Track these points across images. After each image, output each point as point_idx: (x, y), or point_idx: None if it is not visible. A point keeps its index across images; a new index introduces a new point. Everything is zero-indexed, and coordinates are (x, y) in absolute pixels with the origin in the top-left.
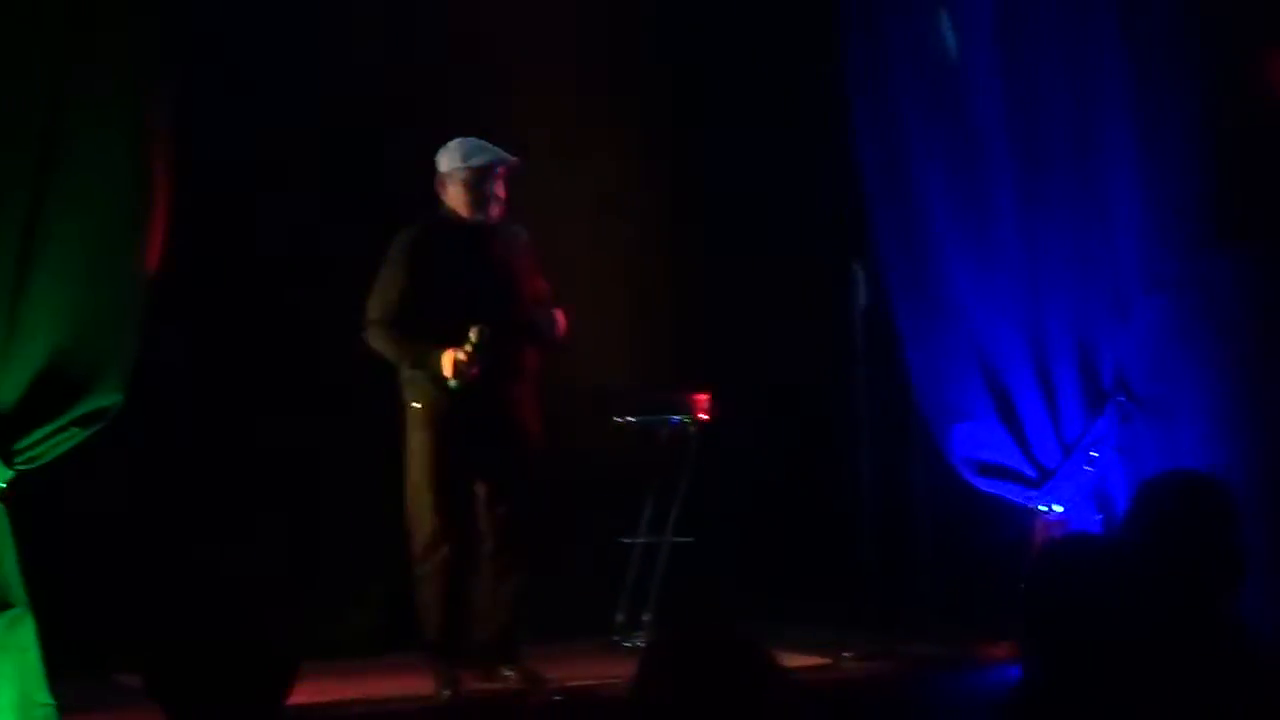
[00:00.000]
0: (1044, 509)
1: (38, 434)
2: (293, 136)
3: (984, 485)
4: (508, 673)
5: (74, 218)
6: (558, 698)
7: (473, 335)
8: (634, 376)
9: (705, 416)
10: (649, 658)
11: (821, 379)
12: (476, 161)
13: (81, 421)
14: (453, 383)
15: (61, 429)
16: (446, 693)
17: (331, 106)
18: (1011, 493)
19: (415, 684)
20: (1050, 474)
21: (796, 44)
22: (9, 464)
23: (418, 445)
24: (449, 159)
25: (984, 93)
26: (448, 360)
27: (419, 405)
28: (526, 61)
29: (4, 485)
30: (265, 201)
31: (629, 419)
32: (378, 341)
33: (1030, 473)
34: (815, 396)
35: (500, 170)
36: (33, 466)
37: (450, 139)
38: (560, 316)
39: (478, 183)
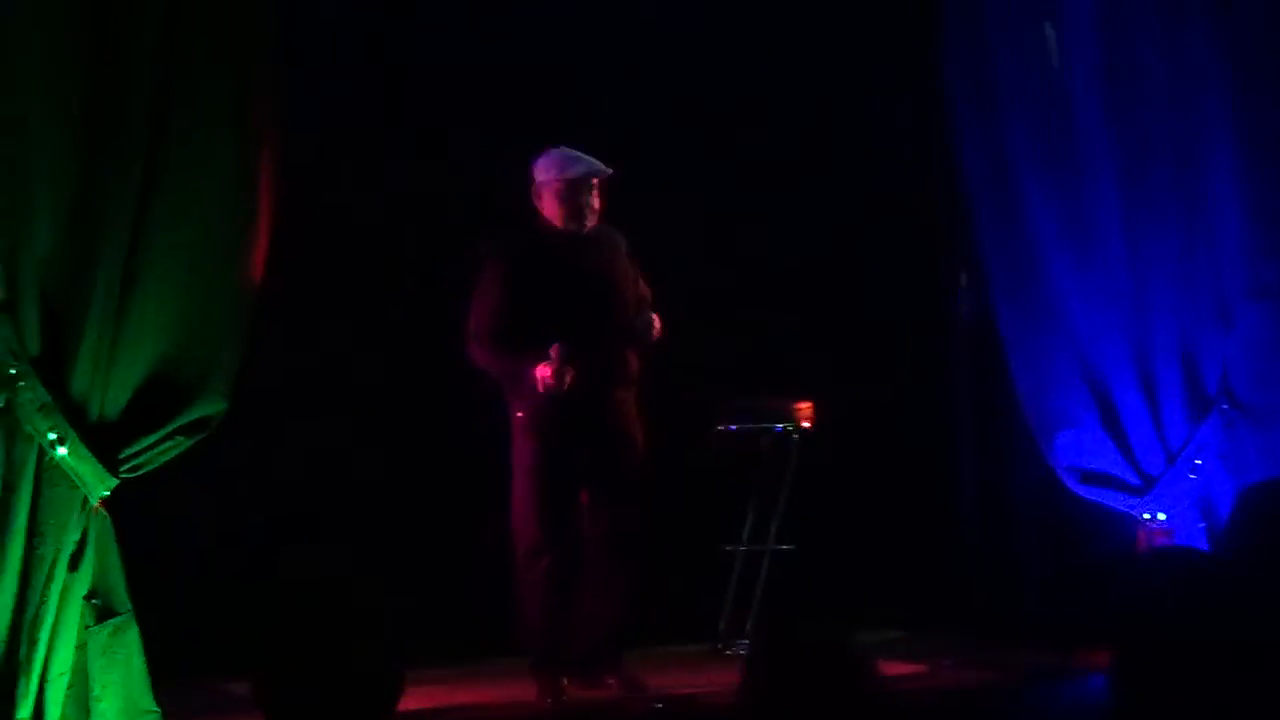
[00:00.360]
0: (1147, 517)
1: (142, 442)
2: (387, 138)
3: (1087, 493)
4: (610, 681)
5: (179, 224)
6: (659, 705)
7: (552, 354)
8: (737, 384)
9: (808, 424)
10: (755, 664)
11: (925, 387)
12: (572, 173)
13: (186, 430)
14: (544, 389)
15: (166, 437)
16: (549, 701)
17: (429, 112)
18: (1115, 500)
19: (518, 692)
20: (1154, 481)
21: (901, 52)
22: (114, 472)
23: (522, 453)
24: (545, 170)
25: (1086, 100)
26: (538, 377)
27: (523, 414)
28: (620, 64)
29: (108, 493)
30: (363, 206)
31: (732, 427)
32: (479, 356)
33: (1134, 480)
34: (918, 404)
35: (595, 180)
36: (137, 474)
37: (549, 144)
38: (657, 320)
39: (573, 194)
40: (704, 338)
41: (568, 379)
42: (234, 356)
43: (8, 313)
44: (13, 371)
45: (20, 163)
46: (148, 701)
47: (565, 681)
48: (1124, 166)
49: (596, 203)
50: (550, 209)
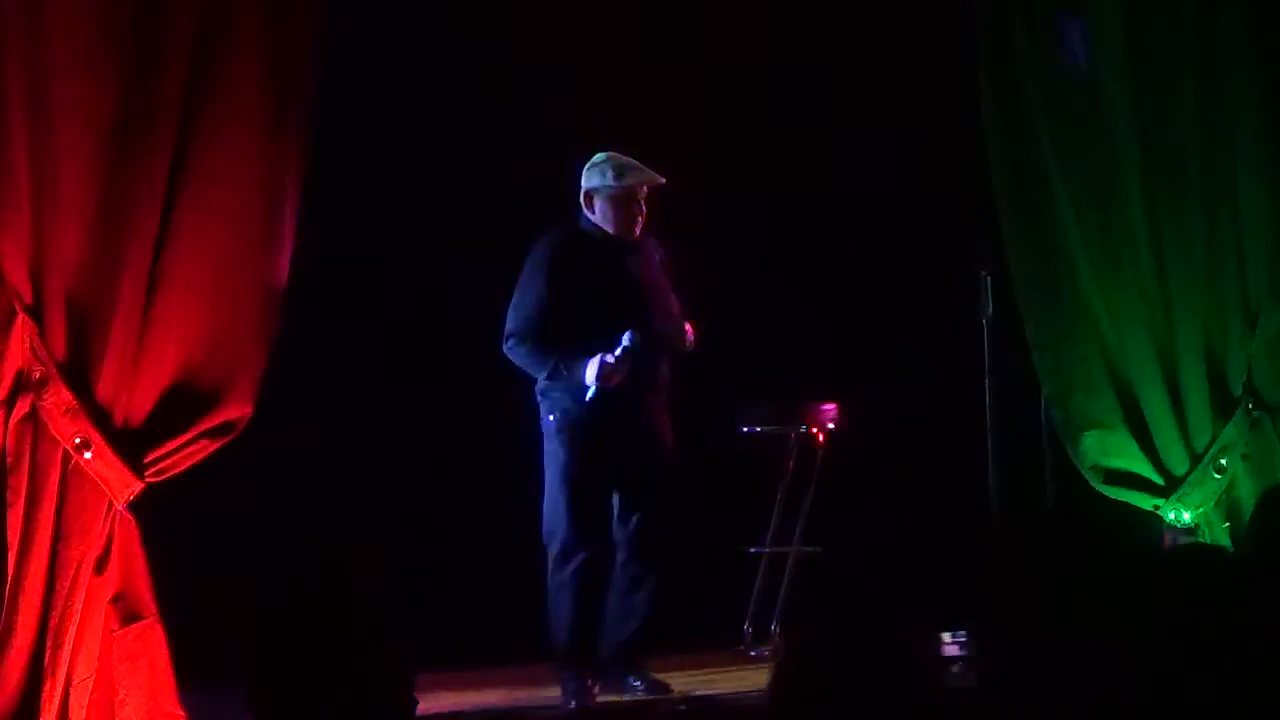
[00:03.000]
0: (1172, 516)
1: (168, 446)
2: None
3: (1112, 493)
4: (636, 683)
5: (206, 227)
6: (681, 707)
7: (626, 340)
8: (761, 387)
9: (832, 426)
10: (791, 639)
11: (950, 388)
12: (628, 181)
13: (212, 433)
14: (592, 389)
15: (192, 441)
16: (573, 703)
17: (464, 108)
18: (1139, 500)
19: (542, 693)
20: (1178, 481)
21: (926, 49)
22: (140, 475)
23: (554, 456)
24: (598, 175)
25: (1113, 99)
26: (594, 364)
27: (554, 417)
28: (648, 63)
29: (134, 496)
30: (398, 205)
31: (756, 429)
32: (517, 354)
33: (1158, 480)
34: (943, 406)
35: (646, 189)
36: (163, 478)
37: (582, 145)
38: (689, 329)
39: (626, 201)
40: (729, 339)
41: (620, 377)
42: (260, 359)
43: (34, 316)
44: (39, 375)
45: (48, 166)
46: (173, 705)
47: (591, 683)
48: (1151, 167)
49: (644, 210)
50: (601, 214)
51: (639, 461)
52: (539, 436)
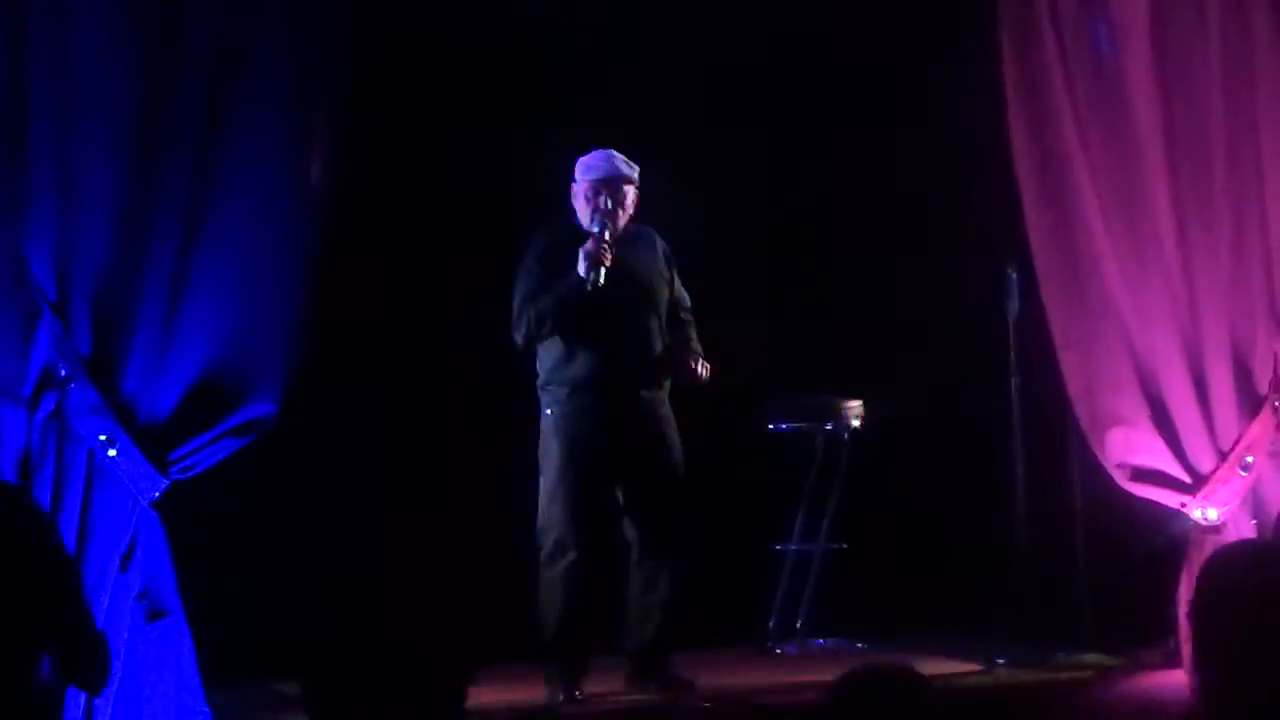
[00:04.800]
0: (1198, 514)
1: (193, 444)
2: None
3: (1137, 490)
4: (656, 683)
5: (232, 225)
6: (707, 705)
7: (595, 227)
8: (787, 383)
9: (858, 423)
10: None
11: (976, 385)
12: (594, 175)
13: (236, 432)
14: (590, 277)
15: (216, 439)
16: (559, 699)
17: (487, 106)
18: (1165, 498)
19: (528, 692)
20: (1205, 479)
21: (952, 45)
22: (164, 473)
23: (550, 453)
24: (577, 169)
25: (1138, 94)
26: (581, 256)
27: (551, 412)
28: (670, 60)
29: (158, 494)
30: (406, 206)
31: (783, 426)
32: (520, 327)
33: (1184, 478)
34: (969, 403)
35: (624, 185)
36: (187, 475)
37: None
38: (704, 369)
39: (592, 196)
40: (755, 336)
41: (606, 250)
42: (286, 358)
43: (59, 314)
44: (64, 373)
45: (73, 164)
46: (198, 702)
47: (577, 682)
48: (1176, 161)
49: (626, 204)
50: (580, 209)
51: (640, 460)
52: (536, 433)
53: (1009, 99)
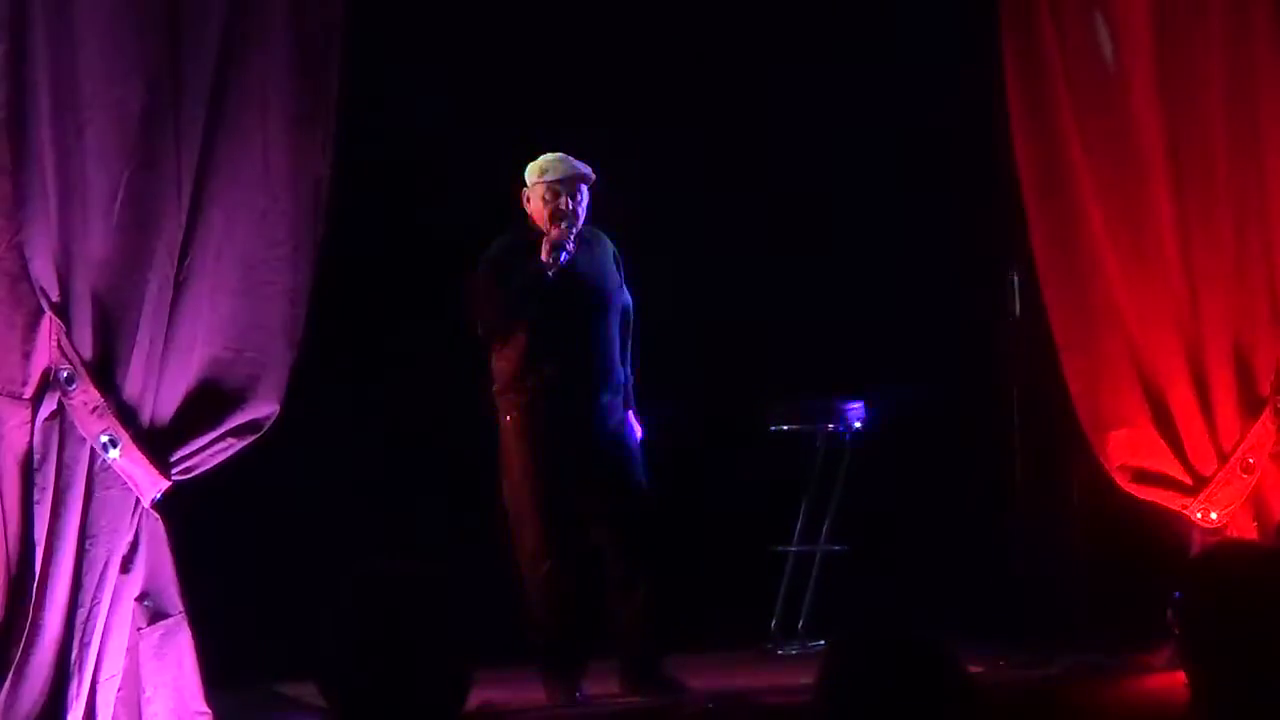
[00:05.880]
0: (1199, 516)
1: (195, 444)
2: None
3: (1139, 492)
4: (650, 689)
5: (233, 226)
6: (710, 706)
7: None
8: (787, 383)
9: (859, 425)
10: (832, 659)
11: (977, 387)
12: (551, 176)
13: (238, 432)
14: (550, 260)
15: (218, 439)
16: (559, 702)
17: (491, 115)
18: (1167, 499)
19: (528, 692)
20: (1206, 481)
21: (958, 48)
22: (166, 474)
23: (513, 460)
24: (529, 173)
25: (1140, 95)
26: (544, 244)
27: (511, 418)
28: (670, 59)
29: (160, 495)
30: (390, 209)
31: (783, 427)
32: (490, 321)
33: (1186, 479)
34: (970, 404)
35: (581, 184)
36: (189, 477)
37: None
38: (639, 429)
39: (552, 197)
40: (755, 337)
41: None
42: (287, 359)
43: (61, 315)
44: (65, 374)
45: (75, 163)
46: (199, 703)
47: (579, 684)
48: (1178, 163)
49: (581, 207)
50: (535, 212)
51: (601, 465)
52: (497, 443)
53: (1011, 99)
